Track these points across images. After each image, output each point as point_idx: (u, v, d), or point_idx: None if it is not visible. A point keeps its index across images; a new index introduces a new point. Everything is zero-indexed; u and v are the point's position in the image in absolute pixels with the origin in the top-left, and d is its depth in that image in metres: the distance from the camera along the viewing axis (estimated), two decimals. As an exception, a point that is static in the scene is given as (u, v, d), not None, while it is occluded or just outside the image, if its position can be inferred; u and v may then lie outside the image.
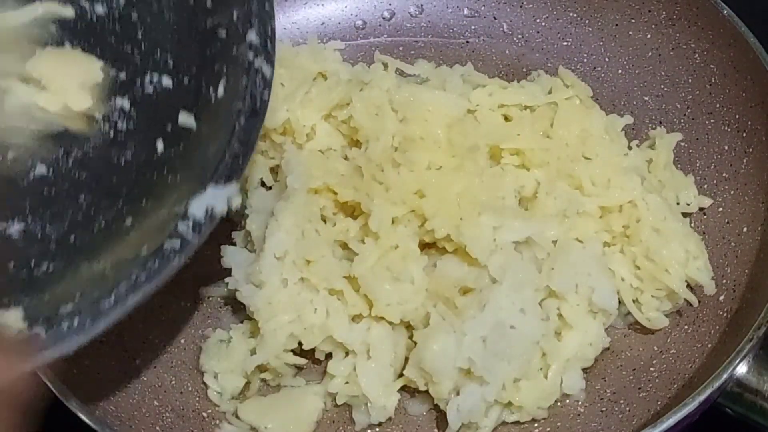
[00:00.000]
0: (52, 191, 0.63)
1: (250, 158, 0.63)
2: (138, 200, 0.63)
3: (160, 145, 0.65)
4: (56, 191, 0.63)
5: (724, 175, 0.87)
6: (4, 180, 0.62)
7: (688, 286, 0.80)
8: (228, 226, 0.88)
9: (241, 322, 0.80)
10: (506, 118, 0.86)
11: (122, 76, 0.67)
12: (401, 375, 0.76)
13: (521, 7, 1.00)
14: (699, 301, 0.80)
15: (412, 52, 1.00)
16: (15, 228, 0.61)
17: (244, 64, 0.65)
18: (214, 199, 0.60)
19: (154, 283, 0.58)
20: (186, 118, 0.66)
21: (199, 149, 0.64)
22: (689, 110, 0.91)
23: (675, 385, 0.76)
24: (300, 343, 0.76)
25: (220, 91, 0.66)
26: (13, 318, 0.56)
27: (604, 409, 0.77)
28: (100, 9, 0.69)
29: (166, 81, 0.67)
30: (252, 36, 0.66)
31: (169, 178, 0.63)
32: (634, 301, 0.80)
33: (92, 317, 0.56)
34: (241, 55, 0.66)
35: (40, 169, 0.63)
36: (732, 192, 0.85)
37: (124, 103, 0.67)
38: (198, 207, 0.60)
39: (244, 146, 0.63)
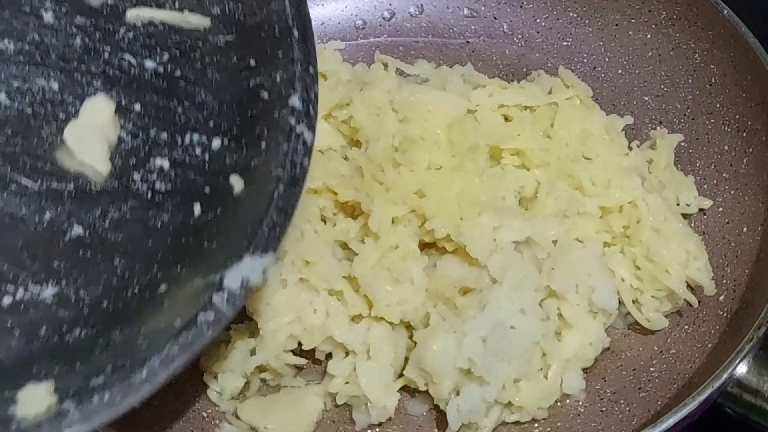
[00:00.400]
0: (87, 253, 0.61)
1: (288, 228, 0.60)
2: (173, 266, 0.60)
3: (197, 209, 0.62)
4: (92, 254, 0.61)
5: (724, 175, 0.87)
6: (41, 242, 0.60)
7: (688, 286, 0.80)
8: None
9: (241, 322, 0.80)
10: (506, 119, 0.86)
11: (163, 135, 0.65)
12: (401, 375, 0.76)
13: (521, 7, 1.00)
14: (699, 302, 0.80)
15: (412, 52, 1.00)
16: (48, 292, 0.59)
17: (286, 129, 0.63)
18: (251, 270, 0.57)
19: (186, 357, 0.54)
20: (234, 180, 0.63)
21: (237, 215, 0.61)
22: (689, 110, 0.91)
23: (675, 385, 0.76)
24: (300, 344, 0.76)
25: (260, 155, 0.63)
26: (44, 391, 0.53)
27: (604, 409, 0.77)
28: (149, 63, 0.67)
29: (206, 141, 0.65)
30: (295, 100, 0.63)
31: (204, 244, 0.61)
32: (633, 302, 0.80)
33: (123, 392, 0.53)
34: (283, 119, 0.63)
35: (77, 231, 0.61)
36: (732, 192, 0.85)
37: (163, 163, 0.64)
38: (233, 278, 0.57)
39: (283, 215, 0.60)
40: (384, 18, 1.02)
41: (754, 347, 0.71)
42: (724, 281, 0.81)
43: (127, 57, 0.67)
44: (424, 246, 0.79)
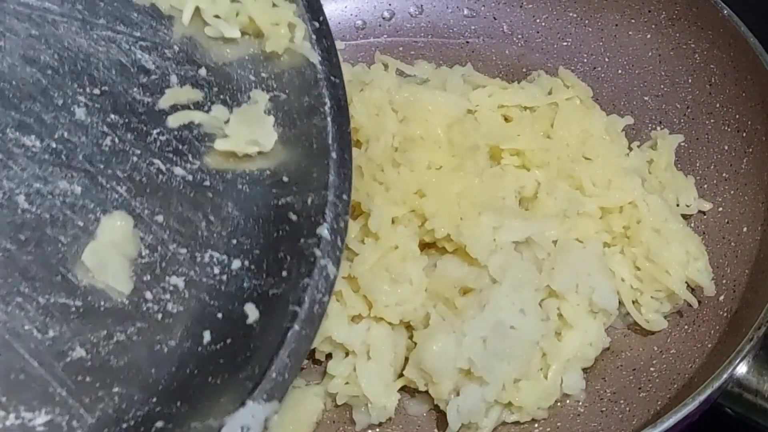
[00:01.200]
0: (86, 378, 0.56)
1: (297, 374, 0.58)
2: (173, 401, 0.56)
3: (207, 336, 0.58)
4: (91, 379, 0.56)
5: (724, 175, 0.87)
6: (40, 362, 0.56)
7: (689, 287, 0.80)
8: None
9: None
10: (506, 119, 0.86)
11: (182, 251, 0.61)
12: (401, 375, 0.76)
13: (521, 7, 1.01)
14: (699, 302, 0.80)
15: (412, 52, 1.00)
16: (40, 420, 0.55)
17: (310, 260, 0.59)
18: (252, 417, 0.54)
19: None
20: (248, 309, 0.59)
21: (246, 350, 0.58)
22: (689, 110, 0.91)
23: (675, 385, 0.76)
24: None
25: (280, 284, 0.59)
26: None
27: (604, 409, 0.77)
28: (178, 171, 0.63)
29: (226, 261, 0.61)
30: (323, 230, 0.60)
31: (209, 379, 0.57)
32: (633, 302, 0.80)
33: None
34: (308, 248, 0.60)
35: (79, 352, 0.57)
36: (732, 192, 0.85)
37: (178, 282, 0.60)
38: (233, 427, 0.54)
39: (294, 359, 0.56)
40: (384, 18, 1.02)
41: (754, 347, 0.71)
42: (724, 281, 0.81)
43: (157, 162, 0.63)
44: (424, 246, 0.78)
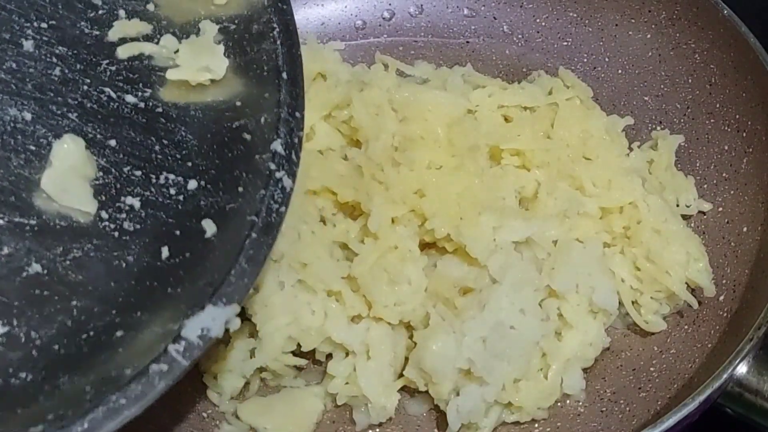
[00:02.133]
0: (44, 292, 0.57)
1: (256, 279, 0.58)
2: (133, 311, 0.57)
3: (165, 252, 0.60)
4: (49, 293, 0.57)
5: (724, 175, 0.87)
6: None
7: (689, 287, 0.80)
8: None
9: (241, 322, 0.80)
10: (506, 119, 0.86)
11: (137, 173, 0.63)
12: (401, 375, 0.76)
13: (521, 7, 1.00)
14: (699, 302, 0.80)
15: (412, 52, 1.00)
16: None
17: (265, 174, 0.61)
18: (211, 320, 0.55)
19: (134, 410, 0.52)
20: (206, 224, 0.60)
21: (205, 261, 0.59)
22: (689, 110, 0.91)
23: (675, 385, 0.76)
24: (299, 345, 0.76)
25: (236, 199, 0.61)
26: None
27: (604, 409, 0.77)
28: (129, 98, 0.65)
29: (182, 182, 0.63)
30: (277, 145, 0.61)
31: (168, 290, 0.58)
32: (633, 303, 0.80)
33: None
34: (263, 163, 0.61)
35: (35, 268, 0.58)
36: (732, 192, 0.85)
37: (134, 202, 0.62)
38: (193, 328, 0.55)
39: (252, 265, 0.58)
40: (384, 18, 1.02)
41: (754, 347, 0.71)
42: (724, 281, 0.81)
43: (107, 90, 0.65)
44: (424, 246, 0.78)
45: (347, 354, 0.76)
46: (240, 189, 0.61)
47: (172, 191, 0.63)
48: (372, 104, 0.83)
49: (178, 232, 0.61)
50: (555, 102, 0.86)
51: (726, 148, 0.87)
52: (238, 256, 0.58)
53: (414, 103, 0.83)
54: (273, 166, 0.61)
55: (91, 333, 0.57)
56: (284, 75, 0.65)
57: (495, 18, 1.01)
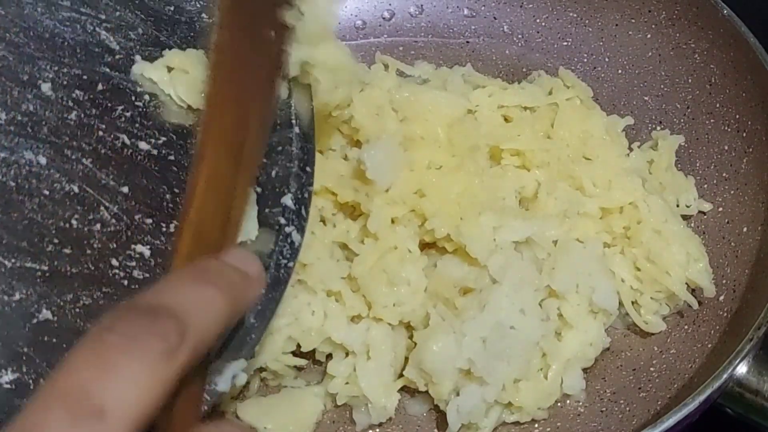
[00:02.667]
0: (53, 339, 0.58)
1: (264, 334, 0.59)
2: None
3: None
4: (57, 341, 0.57)
5: (724, 175, 0.87)
6: (6, 324, 0.57)
7: (688, 288, 0.80)
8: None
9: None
10: (506, 119, 0.86)
11: (148, 221, 0.63)
12: (401, 375, 0.76)
13: (521, 7, 1.00)
14: (699, 303, 0.80)
15: (412, 52, 1.00)
16: (6, 378, 0.56)
17: (275, 228, 0.62)
18: (219, 374, 0.56)
19: None
20: None
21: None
22: (689, 110, 0.91)
23: (675, 385, 0.76)
24: (299, 345, 0.76)
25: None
26: None
27: (604, 409, 0.77)
28: (143, 145, 0.66)
29: None
30: (287, 200, 0.62)
31: None
32: (633, 303, 0.80)
33: None
34: (273, 217, 0.62)
35: (45, 315, 0.58)
36: (732, 192, 0.85)
37: (144, 250, 0.62)
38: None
39: (260, 320, 0.59)
40: (384, 18, 1.02)
41: (754, 347, 0.71)
42: (724, 281, 0.81)
43: (122, 137, 0.65)
44: (424, 246, 0.78)
45: (347, 354, 0.76)
46: (249, 243, 0.61)
47: None
48: (372, 104, 0.83)
49: None
50: (555, 102, 0.86)
51: (726, 148, 0.87)
52: (245, 312, 0.57)
53: (414, 103, 0.82)
54: (283, 221, 0.62)
55: None
56: (296, 129, 0.65)
57: (495, 18, 1.01)
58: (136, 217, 0.63)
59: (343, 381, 0.76)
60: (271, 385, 0.79)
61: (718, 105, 0.89)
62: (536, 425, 0.76)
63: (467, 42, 1.01)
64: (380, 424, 0.77)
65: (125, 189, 0.63)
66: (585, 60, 0.98)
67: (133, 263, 0.61)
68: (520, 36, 1.00)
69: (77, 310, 0.59)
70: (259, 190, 0.64)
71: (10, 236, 0.59)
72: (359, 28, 1.02)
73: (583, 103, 0.87)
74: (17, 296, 0.58)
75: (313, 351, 0.77)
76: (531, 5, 1.00)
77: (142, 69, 0.69)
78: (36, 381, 0.56)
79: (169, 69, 0.71)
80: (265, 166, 0.64)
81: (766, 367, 0.73)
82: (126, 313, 0.42)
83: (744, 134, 0.86)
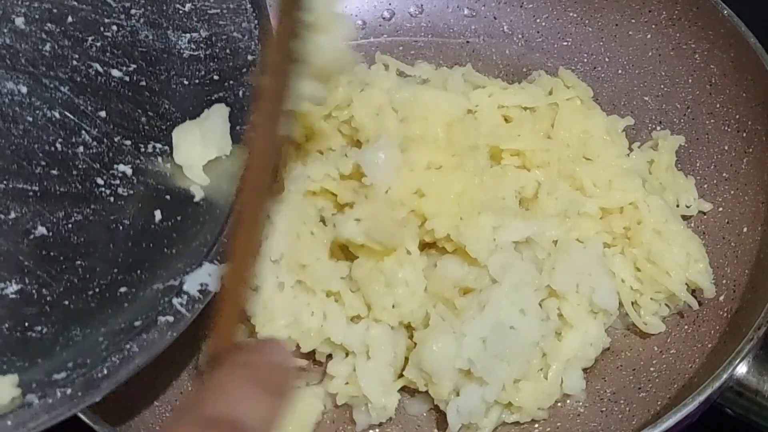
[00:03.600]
0: (51, 253, 0.62)
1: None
2: (133, 269, 0.63)
3: (158, 215, 0.66)
4: (55, 254, 0.62)
5: (724, 175, 0.87)
6: (6, 239, 0.62)
7: (688, 288, 0.80)
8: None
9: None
10: (506, 119, 0.86)
11: (127, 143, 0.68)
12: (401, 375, 0.76)
13: (521, 7, 1.00)
14: (699, 303, 0.80)
15: (412, 52, 1.00)
16: (12, 288, 0.60)
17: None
18: (209, 276, 0.62)
19: (147, 357, 0.59)
20: (194, 189, 0.67)
21: (197, 224, 0.65)
22: (689, 110, 0.91)
23: (675, 385, 0.76)
24: (299, 345, 0.76)
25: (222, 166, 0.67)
26: (8, 384, 0.56)
27: (604, 409, 0.77)
28: (115, 73, 0.70)
29: (168, 151, 0.68)
30: None
31: (165, 250, 0.64)
32: (633, 303, 0.80)
33: (84, 388, 0.57)
34: (245, 131, 0.67)
35: (41, 231, 0.63)
36: (732, 192, 0.85)
37: (126, 169, 0.67)
38: (192, 283, 0.62)
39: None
40: (384, 18, 1.02)
41: (754, 347, 0.71)
42: (724, 281, 0.81)
43: (95, 65, 0.69)
44: (425, 246, 0.78)
45: (347, 354, 0.76)
46: (223, 158, 0.67)
47: (160, 159, 0.68)
48: (372, 104, 0.83)
49: (168, 197, 0.67)
50: (555, 102, 0.86)
51: (726, 148, 0.87)
52: (227, 220, 0.64)
53: (414, 103, 0.82)
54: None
55: (97, 290, 0.62)
56: (258, 51, 0.71)
57: (495, 18, 1.01)
58: (116, 139, 0.67)
59: (343, 381, 0.76)
60: (270, 385, 0.79)
61: (718, 105, 0.89)
62: (536, 425, 0.76)
63: (467, 42, 1.00)
64: (380, 424, 0.77)
65: (103, 114, 0.68)
66: (585, 60, 0.98)
67: (117, 181, 0.66)
68: (520, 36, 1.00)
69: (70, 225, 0.64)
70: (228, 108, 0.69)
71: (0, 160, 0.64)
72: (359, 28, 1.02)
73: (584, 103, 0.87)
74: (13, 215, 0.63)
75: (313, 351, 0.77)
76: (531, 5, 1.00)
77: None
78: (39, 291, 0.61)
79: None
80: (232, 88, 0.70)
81: (766, 367, 0.73)
82: (190, 427, 0.45)
83: (744, 134, 0.86)
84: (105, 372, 0.57)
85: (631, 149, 0.87)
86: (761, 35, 0.86)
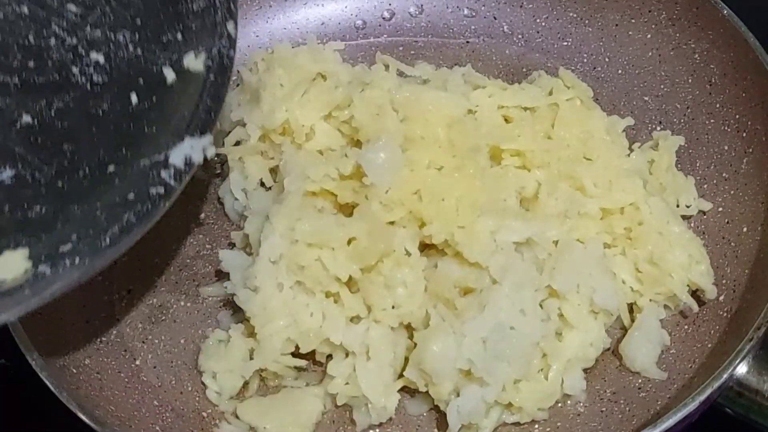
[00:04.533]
0: (38, 139, 0.67)
1: (221, 112, 0.70)
2: (118, 149, 0.67)
3: (134, 98, 0.70)
4: (42, 140, 0.67)
5: (724, 175, 0.87)
6: None
7: (689, 289, 0.80)
8: (228, 226, 0.88)
9: (240, 322, 0.80)
10: (506, 120, 0.86)
11: (97, 33, 0.71)
12: (401, 375, 0.76)
13: (521, 7, 1.00)
14: (699, 304, 0.80)
15: (412, 52, 1.00)
16: (7, 174, 0.64)
17: (212, 24, 0.71)
18: (191, 149, 0.67)
19: (144, 226, 0.63)
20: (166, 72, 0.71)
21: (172, 103, 0.70)
22: (689, 110, 0.91)
23: (675, 385, 0.76)
24: (298, 346, 0.76)
25: (189, 49, 0.71)
26: (21, 257, 0.61)
27: (604, 409, 0.77)
28: None
29: (136, 38, 0.72)
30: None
31: (145, 130, 0.69)
32: (632, 304, 0.80)
33: (90, 256, 0.61)
34: (209, 15, 0.71)
35: (26, 119, 0.67)
36: (732, 192, 0.85)
37: (99, 57, 0.71)
38: (177, 156, 0.66)
39: (215, 101, 0.69)
40: (384, 18, 1.02)
41: (754, 347, 0.71)
42: (724, 281, 0.81)
43: None
44: (425, 246, 0.78)
45: (347, 354, 0.76)
46: (191, 39, 0.71)
47: (130, 47, 0.72)
48: (373, 104, 0.83)
49: (141, 81, 0.70)
50: (555, 102, 0.86)
51: (726, 148, 0.87)
52: (201, 96, 0.69)
53: (414, 103, 0.82)
54: (219, 18, 0.72)
55: (87, 170, 0.66)
56: None
57: (495, 18, 1.01)
58: (86, 29, 0.71)
59: (343, 381, 0.76)
60: (270, 385, 0.79)
61: (718, 105, 0.89)
62: (536, 425, 0.76)
63: (467, 42, 1.01)
64: (380, 424, 0.77)
65: (72, 7, 0.72)
66: (585, 60, 0.98)
67: (91, 69, 0.70)
68: (520, 36, 1.00)
69: (52, 113, 0.68)
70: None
71: None
72: (359, 28, 1.02)
73: (584, 103, 0.87)
74: None
75: (313, 351, 0.77)
76: (531, 5, 1.00)
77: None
78: (32, 174, 0.65)
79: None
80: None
81: (766, 367, 0.73)
82: None
83: (744, 134, 0.86)
84: (107, 241, 0.62)
85: (631, 149, 0.87)
86: (761, 35, 0.86)
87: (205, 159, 0.68)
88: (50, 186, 0.65)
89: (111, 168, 0.66)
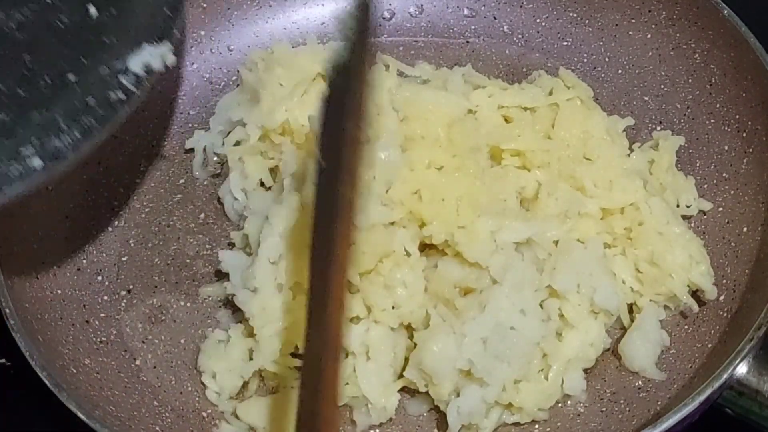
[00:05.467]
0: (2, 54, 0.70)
1: (178, 21, 0.72)
2: (78, 58, 0.70)
3: (92, 9, 0.73)
4: (2, 51, 0.70)
5: (724, 175, 0.87)
6: None
7: (689, 290, 0.80)
8: (228, 226, 0.88)
9: (240, 322, 0.80)
10: (507, 120, 0.86)
11: None
12: (401, 376, 0.76)
13: (521, 7, 1.00)
14: (699, 304, 0.80)
15: (412, 52, 1.00)
16: None
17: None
18: (150, 56, 0.69)
19: (105, 130, 0.66)
20: None
21: (131, 14, 0.73)
22: (689, 110, 0.91)
23: (675, 385, 0.76)
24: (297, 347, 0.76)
25: None
26: None
27: (604, 409, 0.77)
28: None
29: None
30: None
31: (104, 39, 0.71)
32: (632, 304, 0.80)
33: (51, 158, 0.64)
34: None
35: None
36: (732, 192, 0.85)
37: None
38: (136, 63, 0.69)
39: (173, 10, 0.72)
40: (384, 18, 1.02)
41: (754, 347, 0.71)
42: (724, 281, 0.81)
43: None
44: (425, 246, 0.78)
45: (347, 355, 0.76)
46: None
47: None
48: (373, 104, 0.82)
49: None
50: (555, 102, 0.86)
51: (726, 148, 0.87)
52: (159, 4, 0.72)
53: (414, 103, 0.82)
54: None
55: (47, 78, 0.69)
56: None
57: (495, 18, 1.01)
58: None
59: (343, 381, 0.76)
60: (270, 385, 0.79)
61: (718, 105, 0.89)
62: (536, 426, 0.76)
63: (467, 42, 1.00)
64: (380, 425, 0.77)
65: None
66: (585, 60, 0.98)
67: None
68: (520, 36, 1.00)
69: (13, 25, 0.71)
70: None
71: None
72: (359, 28, 1.02)
73: (584, 103, 0.87)
74: None
75: (313, 351, 0.76)
76: (531, 5, 1.00)
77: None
78: (14, 120, 0.67)
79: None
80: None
81: (766, 367, 0.73)
82: None
83: (744, 134, 0.86)
84: (68, 143, 0.64)
85: (631, 149, 0.87)
86: (761, 35, 0.86)
87: (167, 68, 0.70)
88: (11, 95, 0.68)
89: (71, 77, 0.69)
